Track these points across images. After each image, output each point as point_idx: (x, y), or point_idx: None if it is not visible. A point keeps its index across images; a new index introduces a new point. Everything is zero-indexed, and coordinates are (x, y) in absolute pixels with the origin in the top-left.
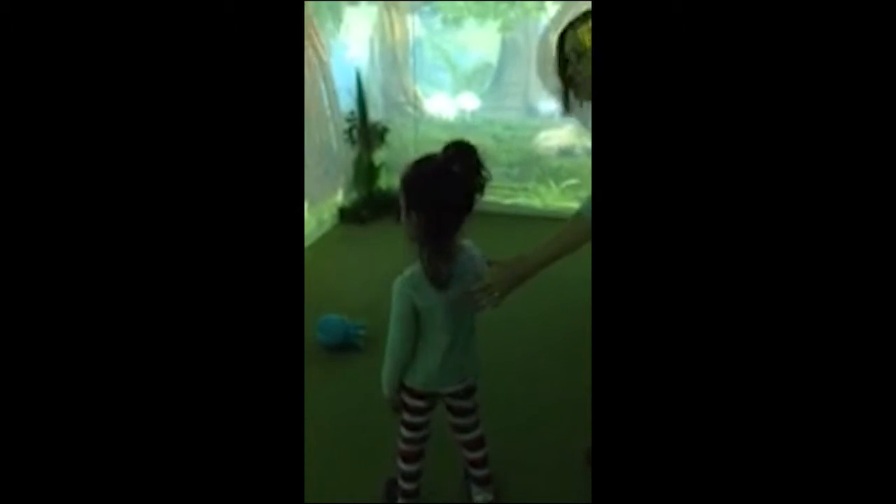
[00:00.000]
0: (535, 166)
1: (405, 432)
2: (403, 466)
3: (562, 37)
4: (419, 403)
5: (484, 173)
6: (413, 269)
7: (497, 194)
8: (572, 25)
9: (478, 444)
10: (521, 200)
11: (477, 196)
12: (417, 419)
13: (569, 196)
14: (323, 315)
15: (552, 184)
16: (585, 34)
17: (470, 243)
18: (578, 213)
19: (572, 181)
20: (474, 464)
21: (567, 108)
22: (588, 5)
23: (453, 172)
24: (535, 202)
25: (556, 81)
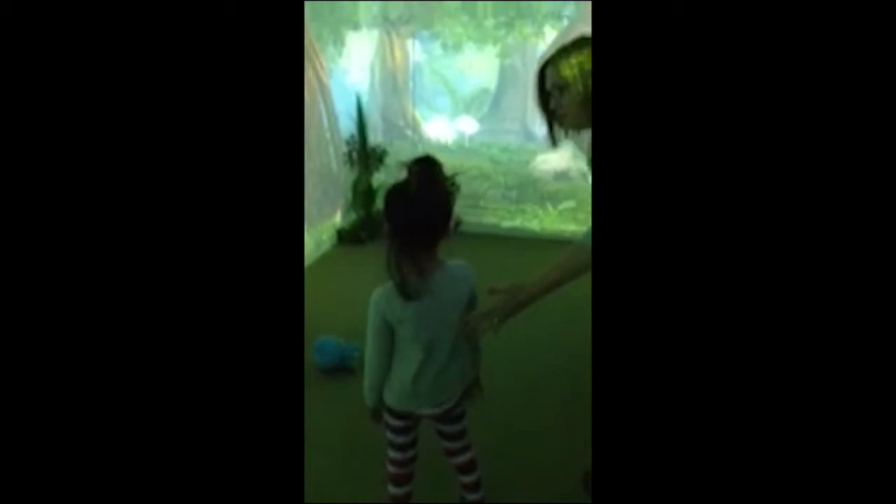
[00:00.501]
0: (533, 189)
1: (391, 452)
2: (393, 489)
3: (541, 73)
4: (398, 423)
5: (451, 186)
6: (389, 283)
7: (496, 216)
8: (551, 61)
9: (468, 467)
10: (520, 223)
11: (450, 208)
12: (400, 439)
13: (566, 218)
14: (319, 337)
15: (549, 207)
16: (565, 68)
17: (459, 263)
18: (579, 242)
19: (569, 204)
20: (466, 487)
21: (554, 141)
22: (567, 38)
23: (417, 187)
24: (534, 224)
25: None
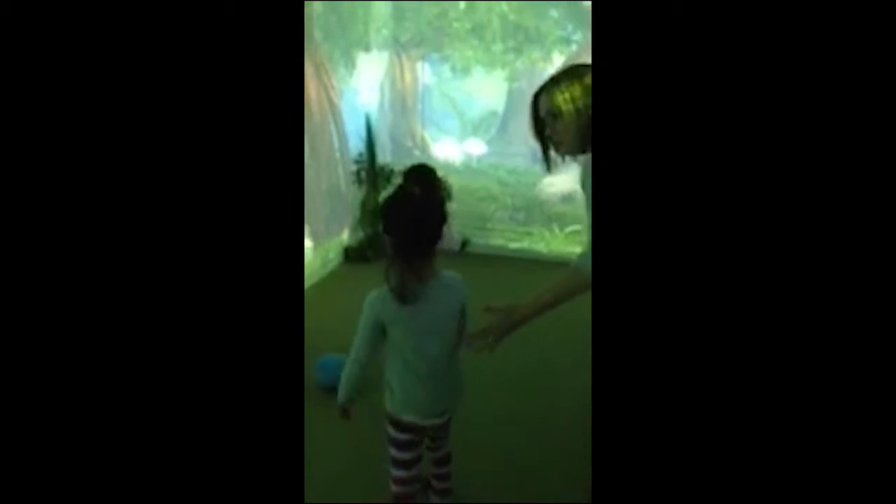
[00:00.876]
0: (539, 211)
1: (394, 471)
2: None
3: (535, 101)
4: (404, 437)
5: (444, 193)
6: (384, 286)
7: (504, 238)
8: (544, 89)
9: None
10: (527, 245)
11: (445, 213)
12: (406, 455)
13: (572, 241)
14: (323, 355)
15: (556, 229)
16: (557, 96)
17: (452, 275)
18: (573, 265)
19: (575, 227)
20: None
21: (548, 166)
22: (562, 66)
23: (413, 194)
24: (540, 246)
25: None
